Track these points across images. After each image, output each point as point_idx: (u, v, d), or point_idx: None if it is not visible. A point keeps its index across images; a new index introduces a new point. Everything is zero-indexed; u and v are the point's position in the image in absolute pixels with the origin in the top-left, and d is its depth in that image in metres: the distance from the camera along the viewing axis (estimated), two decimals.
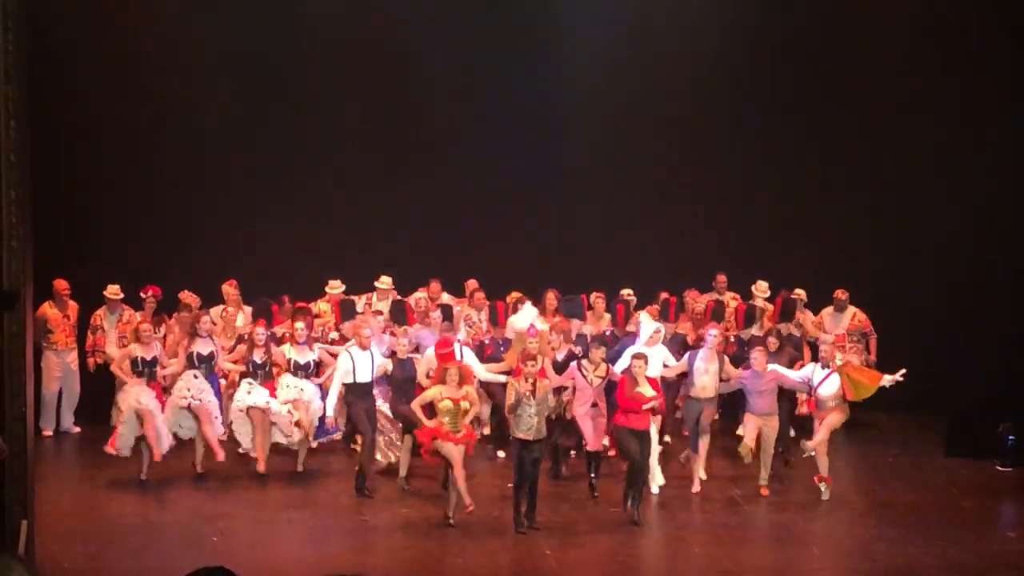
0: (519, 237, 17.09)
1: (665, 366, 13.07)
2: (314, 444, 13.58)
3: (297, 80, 16.85)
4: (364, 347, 12.89)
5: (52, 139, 15.35)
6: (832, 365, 12.83)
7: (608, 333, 13.99)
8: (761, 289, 15.39)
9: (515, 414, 11.71)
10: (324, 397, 13.17)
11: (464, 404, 11.79)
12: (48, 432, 14.92)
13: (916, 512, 12.51)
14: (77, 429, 15.23)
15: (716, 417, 13.86)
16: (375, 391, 13.06)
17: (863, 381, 12.83)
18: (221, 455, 13.02)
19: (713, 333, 13.09)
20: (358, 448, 13.38)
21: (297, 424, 13.08)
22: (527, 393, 11.63)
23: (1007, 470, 13.92)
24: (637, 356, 12.26)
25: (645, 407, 11.96)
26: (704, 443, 13.14)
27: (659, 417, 12.84)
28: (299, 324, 13.55)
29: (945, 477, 13.78)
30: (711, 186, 17.13)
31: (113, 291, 15.00)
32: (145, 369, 13.05)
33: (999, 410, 14.23)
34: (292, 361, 13.35)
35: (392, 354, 12.97)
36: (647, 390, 12.02)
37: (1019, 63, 15.12)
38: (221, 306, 14.93)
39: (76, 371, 15.16)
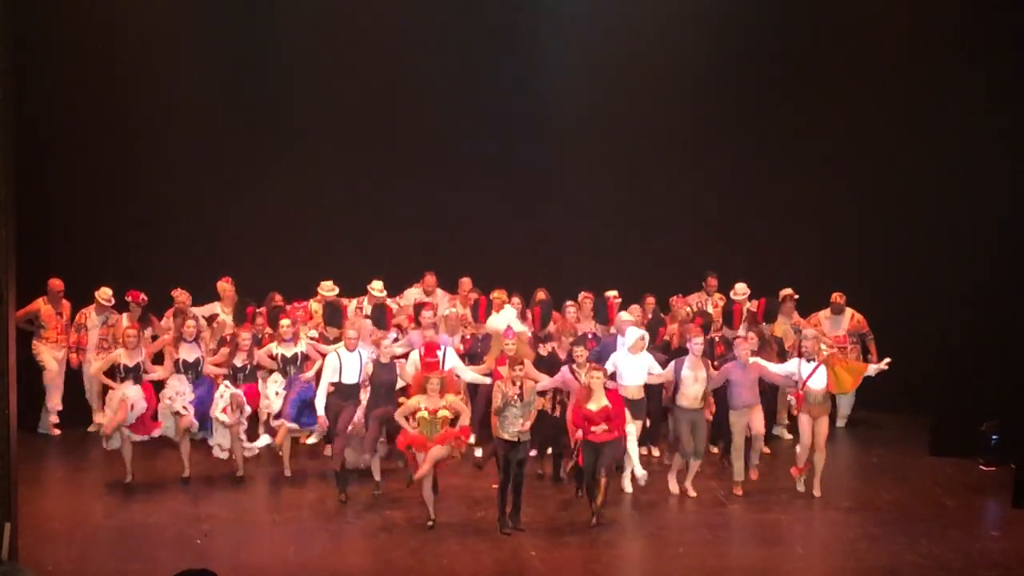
0: (511, 236, 17.07)
1: (650, 374, 13.07)
2: (311, 440, 13.55)
3: (290, 80, 16.80)
4: (350, 348, 12.87)
5: (45, 140, 15.44)
6: (818, 358, 12.87)
7: (591, 337, 13.96)
8: (739, 292, 15.40)
9: (501, 415, 11.73)
10: (312, 392, 13.18)
11: (443, 413, 11.79)
12: (55, 418, 14.97)
13: (900, 511, 12.55)
14: (57, 432, 15.15)
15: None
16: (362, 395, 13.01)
17: (845, 376, 12.91)
18: (186, 472, 13.16)
19: (697, 341, 13.06)
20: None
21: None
22: (514, 396, 11.66)
23: (990, 469, 13.95)
24: (595, 368, 12.21)
25: (594, 429, 11.89)
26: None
27: (637, 423, 12.84)
28: (284, 321, 13.54)
29: (929, 476, 13.81)
30: (702, 187, 17.11)
31: (105, 296, 14.90)
32: (129, 375, 12.99)
33: (982, 409, 14.26)
34: (280, 356, 13.34)
35: (375, 358, 12.94)
36: (600, 401, 11.96)
37: (1015, 61, 15.15)
38: (216, 303, 14.87)
39: (63, 371, 15.12)
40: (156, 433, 13.20)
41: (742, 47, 16.74)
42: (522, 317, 14.41)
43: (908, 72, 16.37)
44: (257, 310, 14.30)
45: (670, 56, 16.83)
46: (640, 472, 12.45)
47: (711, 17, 16.74)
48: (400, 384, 12.97)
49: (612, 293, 14.71)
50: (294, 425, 13.22)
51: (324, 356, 13.13)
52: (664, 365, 13.13)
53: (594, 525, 11.86)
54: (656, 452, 14.18)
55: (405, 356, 13.34)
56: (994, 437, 14.12)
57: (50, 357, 14.97)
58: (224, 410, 13.08)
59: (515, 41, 16.87)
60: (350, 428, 12.75)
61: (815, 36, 16.75)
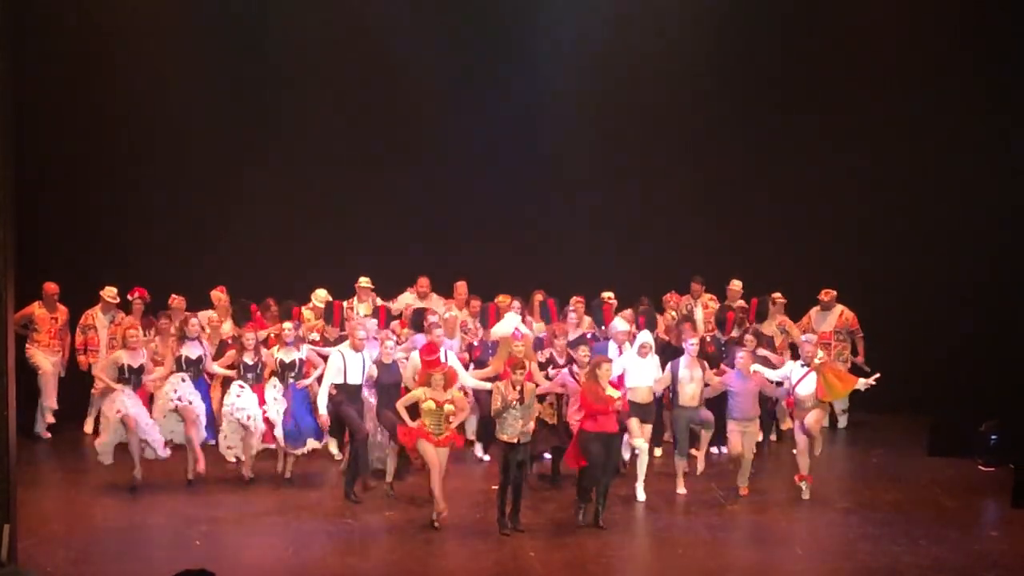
0: (505, 238, 17.11)
1: (655, 380, 13.07)
2: (298, 452, 13.43)
3: (289, 84, 16.84)
4: (357, 349, 12.85)
5: (43, 142, 15.44)
6: (812, 364, 12.86)
7: (590, 336, 13.99)
8: (735, 287, 15.44)
9: (501, 417, 11.73)
10: (307, 400, 13.19)
11: (448, 407, 11.81)
12: (50, 418, 14.92)
13: (899, 512, 12.56)
14: (48, 435, 15.14)
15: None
16: (366, 394, 13.01)
17: (836, 385, 12.87)
18: (202, 465, 13.03)
19: (692, 342, 13.08)
20: (337, 455, 13.54)
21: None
22: (514, 400, 11.64)
23: (989, 469, 13.98)
24: (605, 359, 12.23)
25: (615, 407, 11.92)
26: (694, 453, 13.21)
27: (648, 427, 12.87)
28: (287, 324, 13.54)
29: (928, 477, 13.83)
30: (701, 187, 17.16)
31: (110, 294, 14.96)
32: (131, 376, 12.95)
33: (981, 409, 14.27)
34: (279, 361, 13.32)
35: (378, 359, 12.93)
36: (611, 392, 12.01)
37: (1015, 61, 15.16)
38: (209, 310, 14.88)
39: (56, 373, 15.10)
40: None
41: (740, 48, 16.77)
42: (520, 318, 14.43)
43: (908, 72, 16.41)
44: (258, 311, 14.32)
45: (668, 58, 16.87)
46: (641, 495, 12.69)
47: (711, 18, 16.77)
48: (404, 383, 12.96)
49: (608, 295, 14.72)
50: (291, 447, 13.28)
51: (326, 359, 13.13)
52: (661, 368, 13.14)
53: (601, 527, 11.89)
54: (658, 452, 14.18)
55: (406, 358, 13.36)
56: (993, 437, 14.13)
57: (43, 358, 14.95)
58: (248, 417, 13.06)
59: (512, 42, 16.89)
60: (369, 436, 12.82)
61: (813, 36, 16.78)
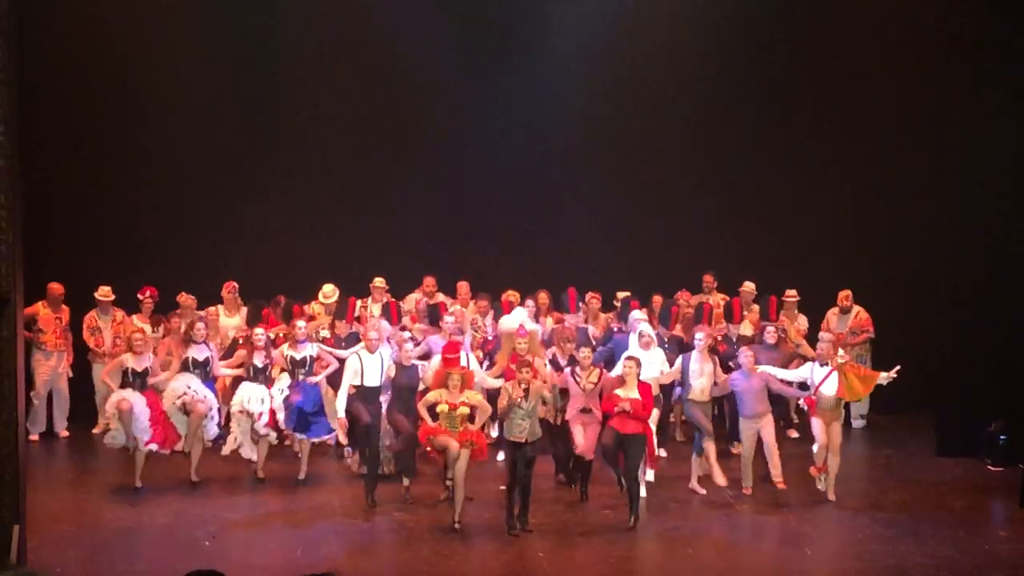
0: (512, 238, 17.12)
1: (662, 372, 13.11)
2: (315, 440, 13.49)
3: (294, 84, 16.86)
4: (371, 350, 12.84)
5: (46, 143, 15.46)
6: (832, 363, 12.80)
7: (616, 330, 14.07)
8: (748, 289, 15.43)
9: (507, 417, 11.74)
10: (313, 402, 13.21)
11: (463, 409, 11.80)
12: (34, 436, 14.84)
13: (907, 511, 12.53)
14: (66, 433, 15.19)
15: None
16: (383, 397, 12.97)
17: (857, 383, 12.81)
18: (194, 475, 13.14)
19: (700, 336, 13.09)
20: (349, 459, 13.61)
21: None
22: (519, 399, 11.65)
23: (998, 469, 13.94)
24: (629, 358, 12.28)
25: (617, 410, 11.95)
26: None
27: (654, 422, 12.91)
28: (300, 323, 13.55)
29: (936, 476, 13.81)
30: (705, 186, 17.16)
31: (104, 292, 15.01)
32: (135, 380, 12.93)
33: (990, 409, 14.24)
34: (289, 358, 13.34)
35: (397, 360, 12.89)
36: (631, 392, 12.02)
37: (1016, 61, 15.14)
38: (212, 308, 14.91)
39: (64, 374, 15.13)
40: (179, 446, 13.16)
41: (744, 48, 16.78)
42: (534, 318, 14.44)
43: (911, 73, 16.39)
44: (271, 310, 14.34)
45: (673, 57, 16.89)
46: (649, 476, 12.67)
47: (714, 17, 16.76)
48: (422, 387, 12.93)
49: (624, 294, 14.75)
50: (301, 436, 13.30)
51: (337, 359, 13.17)
52: (672, 364, 13.17)
53: (631, 527, 11.87)
54: (663, 453, 14.18)
55: (423, 357, 13.34)
56: (1002, 437, 14.10)
57: (44, 357, 14.95)
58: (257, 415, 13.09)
59: (516, 43, 16.89)
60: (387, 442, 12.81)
61: (819, 36, 16.78)
